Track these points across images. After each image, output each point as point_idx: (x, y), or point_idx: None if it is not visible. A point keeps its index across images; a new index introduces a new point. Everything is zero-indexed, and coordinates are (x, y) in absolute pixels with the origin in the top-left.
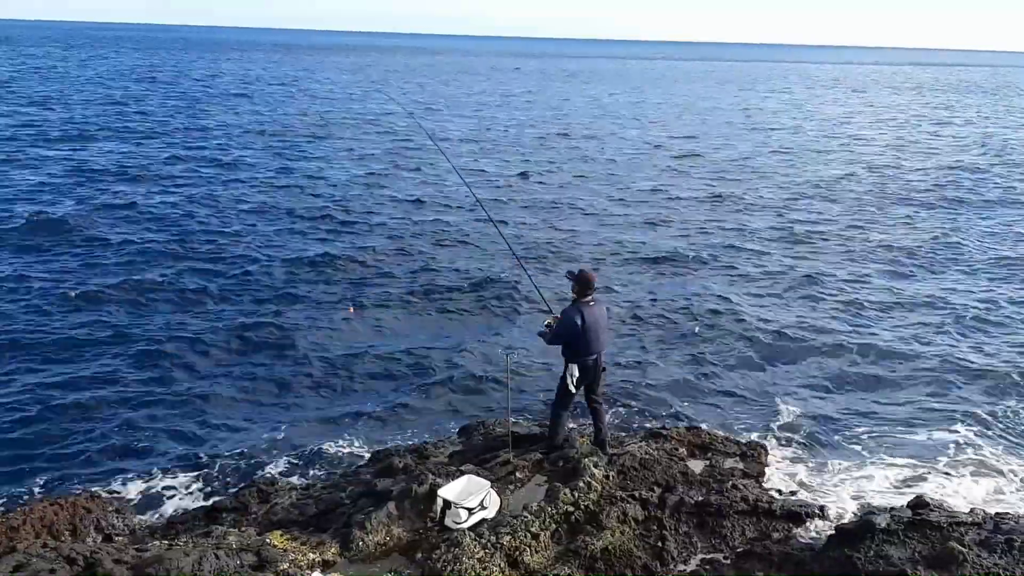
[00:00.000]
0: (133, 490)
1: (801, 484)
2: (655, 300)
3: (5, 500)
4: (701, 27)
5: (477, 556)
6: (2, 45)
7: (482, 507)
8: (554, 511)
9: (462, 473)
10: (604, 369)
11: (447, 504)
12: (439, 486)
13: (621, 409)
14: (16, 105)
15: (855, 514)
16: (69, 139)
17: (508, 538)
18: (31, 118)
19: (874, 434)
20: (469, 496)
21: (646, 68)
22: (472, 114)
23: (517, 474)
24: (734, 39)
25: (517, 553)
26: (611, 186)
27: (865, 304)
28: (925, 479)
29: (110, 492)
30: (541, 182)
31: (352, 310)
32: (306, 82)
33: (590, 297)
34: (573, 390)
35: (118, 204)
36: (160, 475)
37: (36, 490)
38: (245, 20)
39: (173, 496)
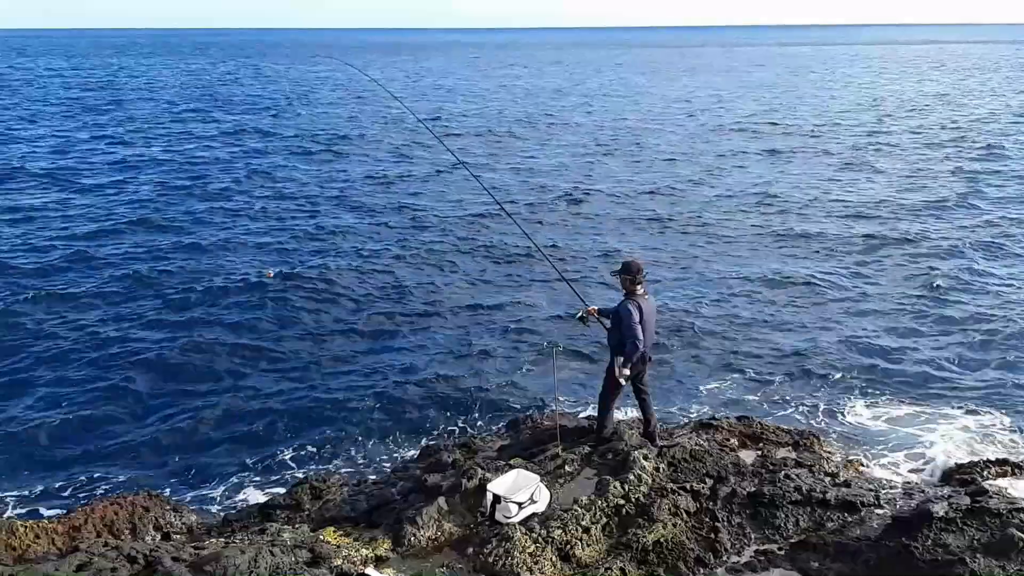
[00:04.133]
0: (189, 489)
1: (856, 473)
2: (711, 286)
3: (68, 500)
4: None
5: (528, 550)
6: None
7: (532, 501)
8: (604, 504)
9: (511, 467)
10: (650, 360)
11: (497, 498)
12: (488, 480)
13: (669, 400)
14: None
15: (911, 502)
16: None
17: (559, 532)
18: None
19: (930, 421)
20: (519, 490)
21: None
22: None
23: (566, 467)
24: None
25: (568, 547)
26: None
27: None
28: (984, 466)
29: (167, 491)
30: None
31: (270, 275)
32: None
33: (642, 289)
34: (623, 382)
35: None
36: (215, 474)
37: (97, 490)
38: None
39: (228, 494)
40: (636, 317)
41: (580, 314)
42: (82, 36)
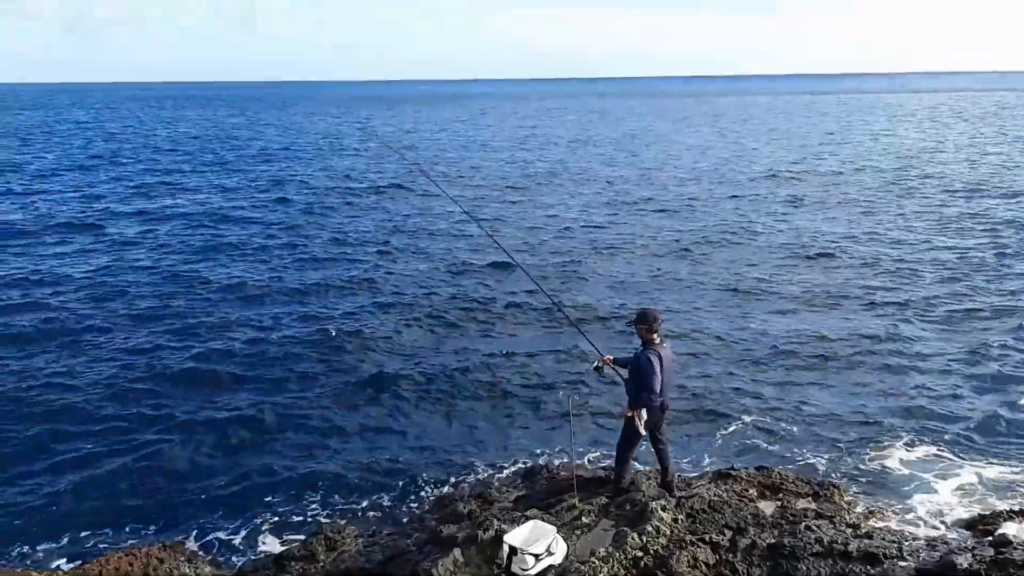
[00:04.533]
0: (203, 539)
1: (878, 523)
2: (725, 333)
3: (83, 550)
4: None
5: None
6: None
7: (549, 553)
8: (622, 556)
9: (527, 518)
10: (668, 409)
11: (513, 550)
12: (504, 532)
13: (687, 449)
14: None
15: (935, 554)
16: None
17: None
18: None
19: (952, 470)
20: (535, 542)
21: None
22: None
23: (583, 519)
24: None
25: None
26: None
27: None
28: (1007, 516)
29: (181, 542)
30: None
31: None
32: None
33: (659, 338)
34: (642, 432)
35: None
36: (229, 524)
37: (112, 540)
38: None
39: (242, 545)
40: (656, 367)
41: (596, 364)
42: (118, 89)
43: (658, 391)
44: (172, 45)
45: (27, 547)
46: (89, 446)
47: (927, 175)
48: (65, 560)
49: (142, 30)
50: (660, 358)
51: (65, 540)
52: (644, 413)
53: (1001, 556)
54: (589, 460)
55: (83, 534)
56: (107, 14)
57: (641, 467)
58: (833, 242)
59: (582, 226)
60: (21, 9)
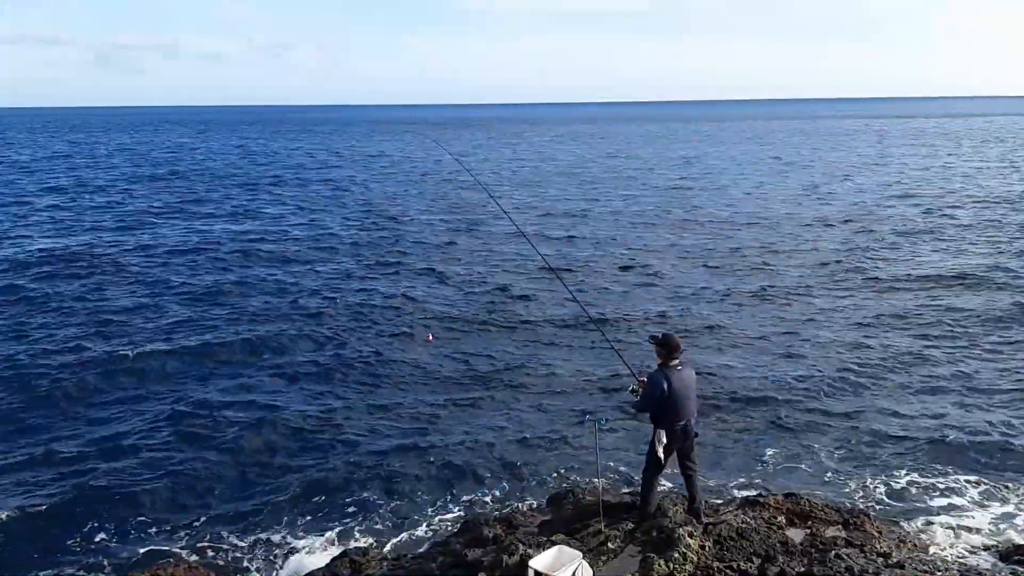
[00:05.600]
0: (226, 560)
1: (910, 553)
2: (752, 363)
3: (108, 571)
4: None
5: None
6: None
7: None
8: None
9: (552, 543)
10: (696, 435)
11: (538, 575)
12: (530, 557)
13: (714, 476)
14: None
15: None
16: None
17: None
18: None
19: (988, 500)
20: (561, 567)
21: None
22: None
23: (609, 544)
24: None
25: None
26: None
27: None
28: None
29: (208, 564)
30: None
31: (430, 339)
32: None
33: (677, 361)
34: (662, 456)
35: None
36: (254, 545)
37: (136, 560)
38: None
39: (268, 566)
40: (662, 387)
41: (632, 387)
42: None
43: (647, 408)
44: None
45: (49, 569)
46: (111, 464)
47: None
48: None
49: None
50: (668, 379)
51: (88, 561)
52: (663, 436)
53: None
54: (616, 485)
55: (105, 553)
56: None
57: (667, 491)
58: (865, 260)
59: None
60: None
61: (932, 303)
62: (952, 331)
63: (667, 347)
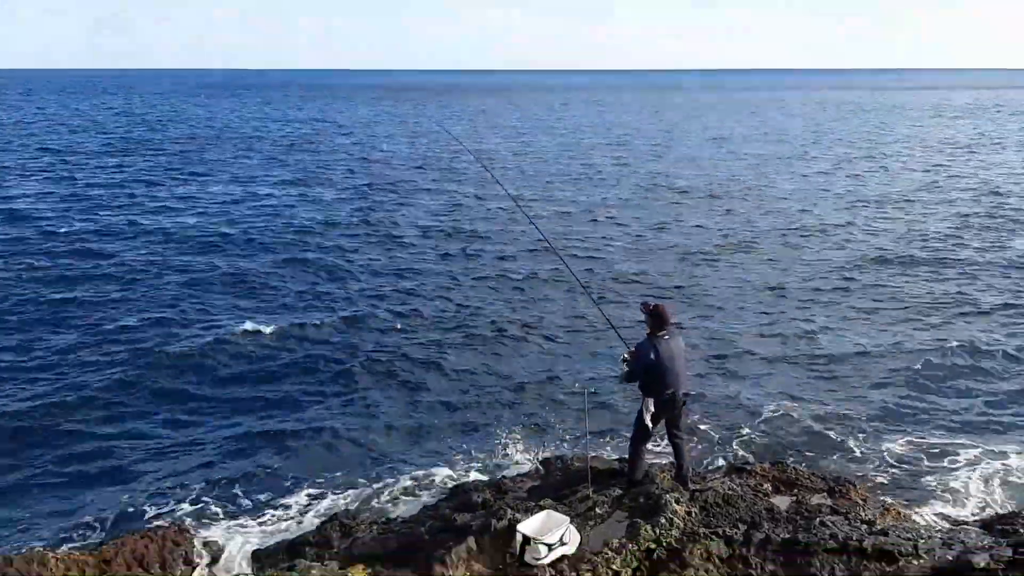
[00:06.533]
0: (219, 524)
1: (893, 520)
2: (740, 331)
3: (99, 532)
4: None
5: None
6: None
7: (562, 543)
8: (635, 548)
9: (541, 508)
10: (685, 404)
11: (526, 539)
12: (518, 521)
13: (702, 444)
14: None
15: (951, 552)
16: None
17: (589, 575)
18: None
19: (971, 470)
20: (549, 532)
21: None
22: None
23: (597, 510)
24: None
25: None
26: None
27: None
28: None
29: (198, 526)
30: None
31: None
32: None
33: (665, 331)
34: (650, 425)
35: None
36: (244, 509)
37: (128, 522)
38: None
39: (257, 530)
40: (649, 357)
41: (624, 356)
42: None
43: (632, 377)
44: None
45: (43, 527)
46: (105, 429)
47: None
48: (80, 540)
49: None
50: (656, 348)
51: (80, 521)
52: (651, 404)
53: (1020, 556)
54: (604, 452)
55: (98, 515)
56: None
57: (656, 460)
58: (861, 230)
59: None
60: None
61: (918, 269)
62: (955, 307)
63: (658, 318)
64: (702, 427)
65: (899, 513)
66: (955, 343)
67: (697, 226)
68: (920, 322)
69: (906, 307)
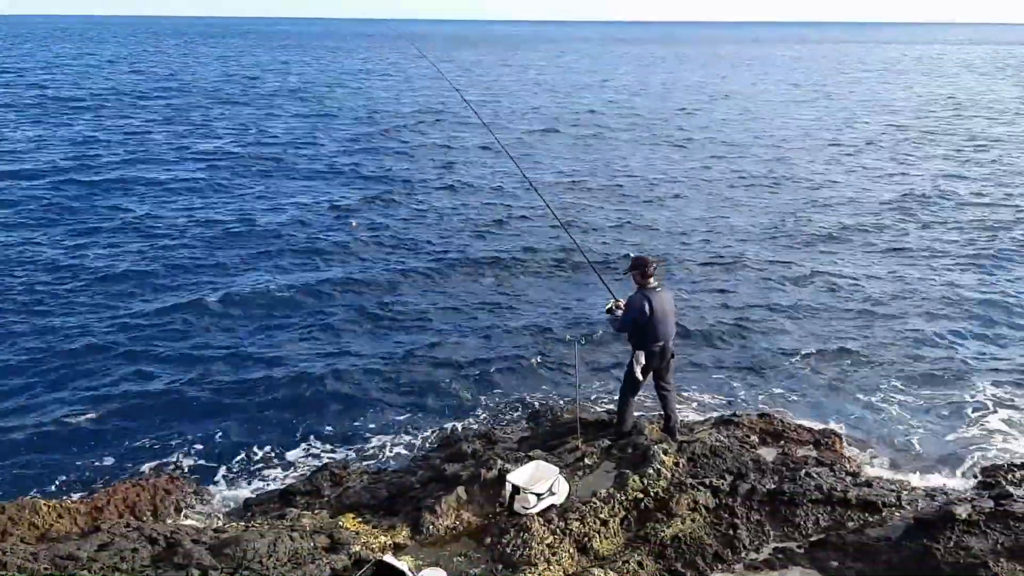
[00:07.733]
0: (211, 472)
1: (877, 472)
2: (732, 288)
3: (91, 480)
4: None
5: (546, 541)
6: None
7: (551, 493)
8: (623, 498)
9: (530, 459)
10: (673, 356)
11: (516, 489)
12: (508, 471)
13: (691, 396)
14: None
15: (934, 503)
16: None
17: (577, 524)
18: None
19: (954, 422)
20: (538, 482)
21: None
22: None
23: (586, 460)
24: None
25: (586, 539)
26: None
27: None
28: (1009, 468)
29: (189, 474)
30: None
31: (355, 225)
32: None
33: (655, 283)
34: (640, 377)
35: None
36: (236, 459)
37: (120, 471)
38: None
39: (249, 479)
40: (642, 308)
41: (609, 306)
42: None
43: (625, 328)
44: None
45: (34, 475)
46: (101, 380)
47: None
48: (72, 488)
49: None
50: (649, 301)
51: (72, 469)
52: (641, 357)
53: (1001, 508)
54: (593, 403)
55: (89, 464)
56: None
57: (643, 412)
58: (858, 188)
59: None
60: None
61: (909, 224)
62: (932, 252)
63: (640, 267)
64: (690, 378)
65: (884, 464)
66: (946, 294)
67: (678, 170)
68: (914, 267)
69: (901, 257)
